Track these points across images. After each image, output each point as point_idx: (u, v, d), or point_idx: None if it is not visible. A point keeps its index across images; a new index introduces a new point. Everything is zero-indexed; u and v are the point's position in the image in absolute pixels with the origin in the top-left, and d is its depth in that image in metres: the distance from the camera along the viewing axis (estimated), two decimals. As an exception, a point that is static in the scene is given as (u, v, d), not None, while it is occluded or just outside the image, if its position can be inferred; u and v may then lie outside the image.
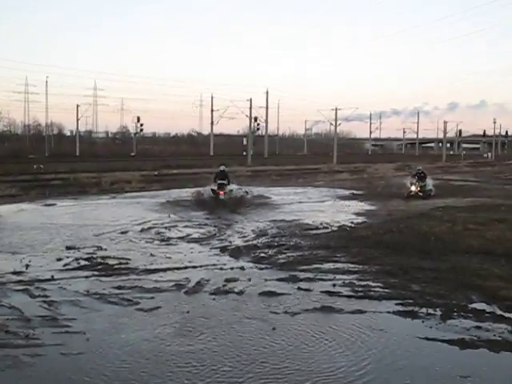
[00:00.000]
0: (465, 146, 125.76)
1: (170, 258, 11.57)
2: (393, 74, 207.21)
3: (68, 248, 12.33)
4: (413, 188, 24.28)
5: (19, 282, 9.44)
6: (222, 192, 21.08)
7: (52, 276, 9.82)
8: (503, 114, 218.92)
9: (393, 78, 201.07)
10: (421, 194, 24.02)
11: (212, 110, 77.68)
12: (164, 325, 7.46)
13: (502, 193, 27.17)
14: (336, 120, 65.74)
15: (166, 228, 15.40)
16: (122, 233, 14.55)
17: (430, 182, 25.70)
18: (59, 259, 11.21)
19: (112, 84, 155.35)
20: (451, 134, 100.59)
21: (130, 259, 11.28)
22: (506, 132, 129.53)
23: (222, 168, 22.29)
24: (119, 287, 9.18)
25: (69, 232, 14.58)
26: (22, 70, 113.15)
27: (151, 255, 11.78)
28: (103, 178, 30.03)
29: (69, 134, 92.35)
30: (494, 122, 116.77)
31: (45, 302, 8.35)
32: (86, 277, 9.94)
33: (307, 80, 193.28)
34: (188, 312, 8.03)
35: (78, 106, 74.60)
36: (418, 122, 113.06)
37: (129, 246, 12.87)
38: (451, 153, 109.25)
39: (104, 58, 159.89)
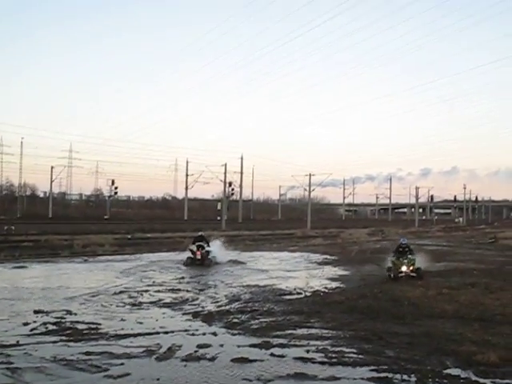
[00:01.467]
0: (437, 211, 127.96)
1: (141, 322, 11.31)
2: (367, 140, 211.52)
3: (36, 312, 11.98)
4: (404, 268, 18.32)
5: (-18, 347, 9.10)
6: (199, 252, 22.53)
7: (17, 341, 9.49)
8: (474, 180, 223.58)
9: (367, 145, 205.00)
10: (414, 274, 18.31)
11: (187, 175, 78.21)
12: (133, 392, 7.22)
13: (474, 257, 27.48)
14: (310, 186, 66.62)
15: (137, 292, 15.12)
16: (93, 296, 14.26)
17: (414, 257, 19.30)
18: (26, 323, 10.87)
19: (87, 146, 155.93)
20: (423, 199, 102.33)
21: (99, 324, 11.00)
22: (476, 197, 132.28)
23: (200, 233, 24.41)
24: (88, 353, 8.89)
25: (37, 295, 14.24)
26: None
27: (122, 320, 11.51)
28: (75, 241, 29.70)
29: (42, 195, 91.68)
30: (464, 188, 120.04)
31: (8, 368, 8.01)
32: (54, 342, 9.64)
33: (282, 146, 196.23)
34: (158, 379, 7.78)
35: (52, 167, 74.50)
36: (390, 188, 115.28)
37: (99, 310, 12.57)
38: (424, 218, 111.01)
39: (80, 121, 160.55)
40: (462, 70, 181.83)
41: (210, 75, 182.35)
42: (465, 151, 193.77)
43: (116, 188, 76.57)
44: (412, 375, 8.05)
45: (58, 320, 11.24)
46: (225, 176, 66.28)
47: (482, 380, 7.89)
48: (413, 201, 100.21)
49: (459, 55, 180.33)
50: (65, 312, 12.08)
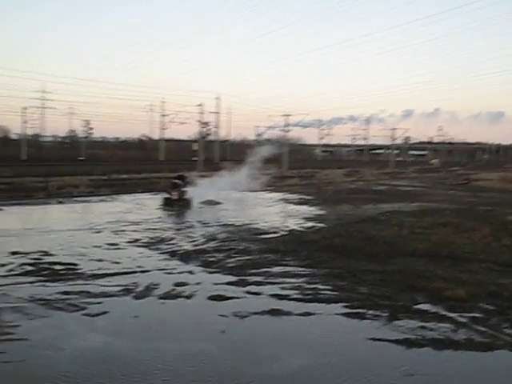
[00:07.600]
0: (413, 152, 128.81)
1: (118, 262, 11.38)
2: (351, 79, 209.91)
3: (13, 253, 11.94)
4: None
5: (-41, 288, 9.12)
6: (175, 192, 22.51)
7: (-6, 282, 9.53)
8: (454, 122, 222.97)
9: (351, 84, 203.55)
10: None
11: (162, 115, 77.23)
12: (111, 330, 7.34)
13: (446, 198, 27.97)
14: (286, 126, 66.29)
15: (114, 232, 15.16)
16: (70, 237, 14.26)
17: None
18: (3, 265, 10.86)
19: (61, 87, 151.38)
20: (401, 141, 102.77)
21: (77, 264, 11.04)
22: (451, 140, 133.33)
23: (180, 173, 24.55)
24: (65, 293, 8.96)
25: (13, 237, 14.19)
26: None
27: (99, 260, 11.56)
28: (50, 183, 29.36)
29: (15, 137, 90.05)
30: (440, 130, 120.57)
31: (-14, 308, 8.09)
32: (31, 282, 9.67)
33: (262, 86, 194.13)
34: (136, 317, 7.92)
35: (24, 108, 72.98)
36: (367, 129, 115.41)
37: (76, 251, 12.56)
38: (400, 159, 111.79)
39: (53, 61, 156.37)
40: (450, 7, 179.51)
41: (183, 13, 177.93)
42: (448, 93, 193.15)
43: (91, 129, 75.70)
44: (384, 310, 8.31)
45: (35, 261, 11.24)
46: (200, 116, 65.56)
47: (450, 314, 8.18)
48: (390, 142, 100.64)
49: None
50: (42, 253, 12.06)
